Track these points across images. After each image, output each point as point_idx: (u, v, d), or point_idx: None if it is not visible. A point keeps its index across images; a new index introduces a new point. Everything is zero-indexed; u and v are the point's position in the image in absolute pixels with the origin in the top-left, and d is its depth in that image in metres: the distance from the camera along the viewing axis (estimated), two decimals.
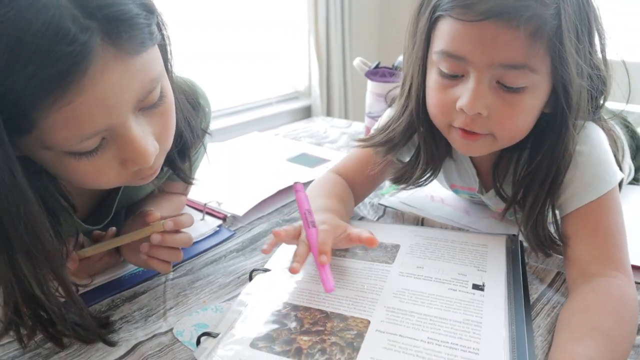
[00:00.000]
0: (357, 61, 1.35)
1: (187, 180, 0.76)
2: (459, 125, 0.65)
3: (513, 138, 0.68)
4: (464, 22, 0.60)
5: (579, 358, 0.51)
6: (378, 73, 1.29)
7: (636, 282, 0.63)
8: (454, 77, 0.64)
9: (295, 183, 0.70)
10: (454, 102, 0.64)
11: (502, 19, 0.57)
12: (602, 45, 0.65)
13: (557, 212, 0.70)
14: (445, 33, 0.63)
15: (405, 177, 0.80)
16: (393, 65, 1.27)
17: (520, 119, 0.64)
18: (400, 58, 1.27)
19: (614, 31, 0.66)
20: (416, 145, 0.78)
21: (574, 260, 0.66)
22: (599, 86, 0.66)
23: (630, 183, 0.98)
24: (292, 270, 0.61)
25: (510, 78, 0.60)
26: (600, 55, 0.65)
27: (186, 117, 0.69)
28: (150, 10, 0.51)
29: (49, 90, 0.44)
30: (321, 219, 0.67)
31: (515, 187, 0.71)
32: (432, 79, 0.67)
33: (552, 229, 0.70)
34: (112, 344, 0.59)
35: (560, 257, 0.73)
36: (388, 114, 0.84)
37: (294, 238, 0.66)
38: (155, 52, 0.53)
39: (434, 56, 0.65)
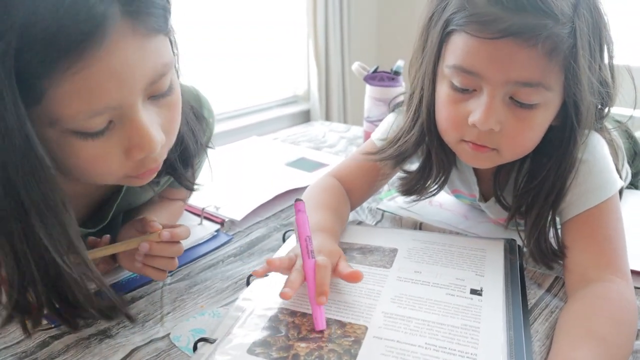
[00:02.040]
0: (355, 65, 1.35)
1: (190, 188, 0.75)
2: (470, 139, 0.65)
3: (519, 154, 0.68)
4: (479, 39, 0.59)
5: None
6: (376, 77, 1.29)
7: (635, 287, 0.63)
8: (466, 91, 0.64)
9: (297, 201, 0.67)
10: (466, 116, 0.63)
11: (520, 38, 0.57)
12: (610, 53, 0.65)
13: (557, 221, 0.70)
14: (459, 48, 0.62)
15: (416, 189, 0.79)
16: (391, 70, 1.27)
17: (530, 134, 0.64)
18: (399, 62, 1.27)
19: (619, 35, 0.66)
20: (423, 155, 0.78)
21: (573, 265, 0.66)
22: (605, 99, 0.66)
23: (627, 187, 0.98)
24: (283, 296, 0.58)
25: (525, 95, 0.60)
26: (607, 65, 0.65)
27: (189, 124, 0.69)
28: (167, 1, 0.52)
29: (64, 52, 0.44)
30: (318, 246, 0.65)
31: (518, 199, 0.71)
32: (444, 92, 0.67)
33: (553, 241, 0.70)
34: (133, 318, 0.58)
35: (560, 262, 0.73)
36: (389, 121, 0.84)
37: (288, 269, 0.63)
38: (167, 42, 0.54)
39: (445, 70, 0.65)
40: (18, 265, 0.51)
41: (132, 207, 0.80)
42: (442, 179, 0.78)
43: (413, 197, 0.81)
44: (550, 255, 0.69)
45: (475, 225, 0.87)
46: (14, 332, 0.61)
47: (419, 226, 0.87)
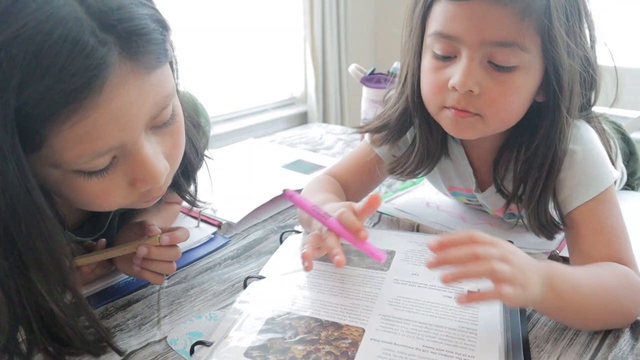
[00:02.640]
0: (352, 67, 1.35)
1: (193, 203, 0.75)
2: (451, 104, 0.66)
3: (503, 120, 0.68)
4: (455, 3, 0.62)
5: (568, 270, 0.57)
6: (373, 79, 1.29)
7: None
8: (447, 59, 0.66)
9: (285, 190, 0.69)
10: (447, 82, 0.65)
11: None
12: (592, 38, 0.67)
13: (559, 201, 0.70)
14: (438, 15, 0.65)
15: (400, 166, 0.81)
16: (388, 72, 1.27)
17: (511, 98, 0.65)
18: (396, 64, 1.27)
19: (611, 36, 0.67)
20: (412, 137, 0.79)
21: (579, 255, 0.67)
22: (589, 77, 0.67)
23: (623, 189, 0.98)
24: (339, 264, 0.59)
25: (501, 56, 0.62)
26: (590, 47, 0.67)
27: (191, 138, 0.68)
28: (165, 27, 0.51)
29: (64, 104, 0.43)
30: (330, 208, 0.66)
31: (516, 182, 0.72)
32: (427, 62, 0.69)
33: (554, 214, 0.71)
34: (121, 352, 0.58)
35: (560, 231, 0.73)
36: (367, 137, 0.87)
37: (319, 243, 0.64)
38: (168, 70, 0.53)
39: (427, 40, 0.68)
40: (10, 310, 0.50)
41: (126, 210, 0.79)
42: (426, 159, 0.79)
43: (397, 176, 0.82)
44: (551, 226, 0.70)
45: (472, 226, 0.87)
46: None
47: (416, 228, 0.87)
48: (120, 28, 0.45)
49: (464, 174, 0.82)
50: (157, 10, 0.50)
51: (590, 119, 0.71)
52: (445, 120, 0.69)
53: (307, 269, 0.61)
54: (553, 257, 0.76)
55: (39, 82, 0.42)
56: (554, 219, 0.70)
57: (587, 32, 0.66)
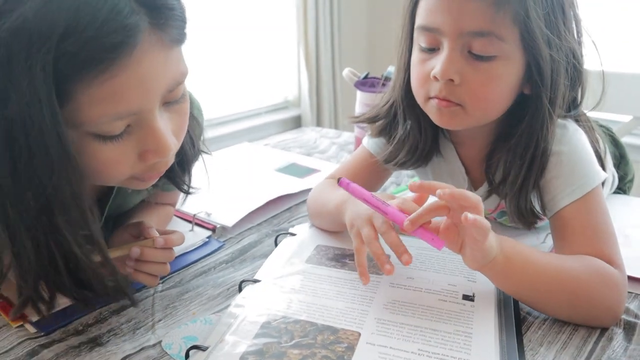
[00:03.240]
0: (346, 71, 1.36)
1: (186, 191, 0.76)
2: (434, 93, 0.68)
3: (484, 110, 0.69)
4: None
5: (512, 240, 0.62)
6: (367, 83, 1.29)
7: (630, 293, 0.63)
8: (432, 51, 0.68)
9: (340, 180, 0.68)
10: (430, 73, 0.67)
11: None
12: (579, 33, 0.68)
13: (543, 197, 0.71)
14: (423, 9, 0.68)
15: (393, 157, 0.82)
16: (382, 76, 1.27)
17: (491, 87, 0.66)
18: (390, 68, 1.27)
19: (605, 40, 0.68)
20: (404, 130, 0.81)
21: None
22: (575, 71, 0.68)
23: (615, 192, 0.99)
24: (407, 262, 0.62)
25: (479, 46, 0.64)
26: (575, 41, 0.68)
27: (188, 130, 0.69)
28: (184, 11, 0.55)
29: (98, 60, 0.46)
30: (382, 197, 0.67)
31: (503, 173, 0.72)
32: (414, 55, 0.72)
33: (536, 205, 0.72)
34: (136, 302, 0.64)
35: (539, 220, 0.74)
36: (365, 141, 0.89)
37: (376, 239, 0.65)
38: (182, 52, 0.57)
39: (415, 34, 0.70)
40: (38, 255, 0.52)
41: (122, 211, 0.79)
42: (419, 152, 0.80)
43: (390, 165, 0.83)
44: (529, 215, 0.71)
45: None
46: (2, 340, 0.61)
47: None
48: (151, 2, 0.50)
49: (456, 174, 0.82)
50: None
51: (579, 117, 0.72)
52: (431, 110, 0.71)
53: (365, 283, 0.65)
54: None
55: (79, 35, 0.45)
56: (534, 208, 0.71)
57: (573, 26, 0.68)
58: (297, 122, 2.79)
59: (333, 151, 1.39)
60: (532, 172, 0.69)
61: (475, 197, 0.58)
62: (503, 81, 0.66)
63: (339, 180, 0.68)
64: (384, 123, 0.82)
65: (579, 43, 0.69)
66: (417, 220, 0.60)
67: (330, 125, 2.80)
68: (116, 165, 0.55)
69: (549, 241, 0.75)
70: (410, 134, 0.79)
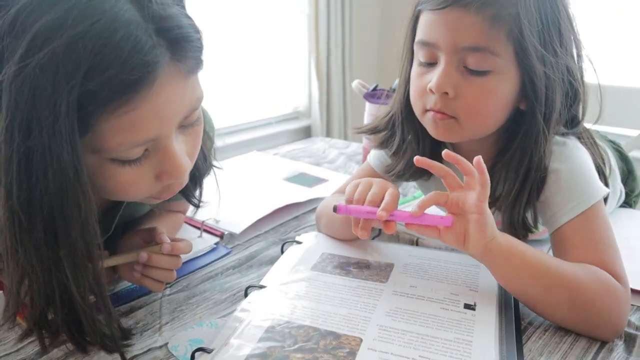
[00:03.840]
0: (355, 83, 1.38)
1: (196, 205, 0.78)
2: (430, 106, 0.70)
3: (478, 124, 0.70)
4: (434, 11, 0.67)
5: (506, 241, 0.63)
6: (376, 95, 1.31)
7: (633, 305, 0.63)
8: (430, 65, 0.70)
9: (338, 207, 0.69)
10: (427, 86, 0.69)
11: (462, 5, 0.64)
12: (579, 51, 0.69)
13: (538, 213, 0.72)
14: (422, 24, 0.70)
15: (391, 167, 0.84)
16: (390, 88, 1.29)
17: (485, 101, 0.67)
18: (397, 81, 1.29)
19: (611, 55, 0.69)
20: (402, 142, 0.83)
21: None
22: (572, 89, 0.69)
23: (621, 206, 0.99)
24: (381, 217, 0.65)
25: (474, 61, 0.65)
26: (572, 59, 0.69)
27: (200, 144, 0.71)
28: (201, 37, 0.57)
29: (120, 94, 0.48)
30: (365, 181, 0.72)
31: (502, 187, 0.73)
32: (413, 69, 0.74)
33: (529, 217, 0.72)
34: (124, 357, 0.60)
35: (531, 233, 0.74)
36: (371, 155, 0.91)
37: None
38: (198, 78, 0.59)
39: (415, 48, 0.72)
40: (44, 287, 0.53)
41: (132, 218, 0.81)
42: (413, 164, 0.80)
43: (389, 175, 0.85)
44: (520, 227, 0.71)
45: None
46: (13, 339, 0.63)
47: (415, 242, 0.88)
48: (172, 34, 0.51)
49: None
50: (195, 23, 0.56)
51: (580, 134, 0.73)
52: (427, 122, 0.73)
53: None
54: None
55: (103, 72, 0.47)
56: (526, 221, 0.72)
57: (571, 46, 0.69)
58: (307, 133, 2.81)
59: (341, 161, 1.41)
60: (525, 186, 0.69)
61: (470, 167, 0.62)
62: (497, 96, 0.67)
63: (336, 209, 0.68)
64: (385, 135, 0.83)
65: (578, 62, 0.70)
66: (423, 205, 0.64)
67: (339, 135, 2.82)
68: (134, 186, 0.57)
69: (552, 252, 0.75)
70: (408, 145, 0.80)
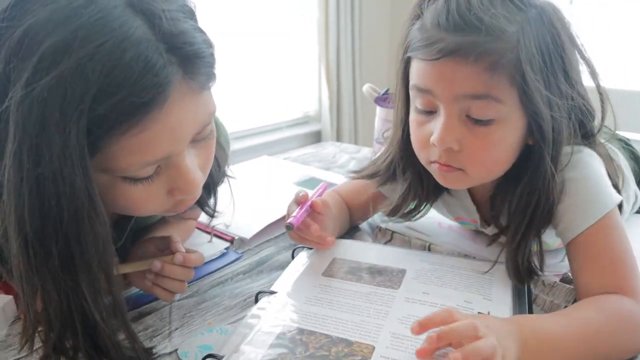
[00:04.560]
0: (366, 87, 1.37)
1: (211, 214, 0.77)
2: (435, 159, 0.67)
3: (487, 173, 0.69)
4: (426, 61, 0.63)
5: (539, 325, 0.56)
6: (387, 99, 1.30)
7: None
8: (429, 113, 0.67)
9: (290, 225, 0.73)
10: (429, 137, 0.66)
11: (457, 56, 0.60)
12: (592, 71, 0.67)
13: (542, 242, 0.69)
14: (415, 71, 0.67)
15: (396, 210, 0.82)
16: None
17: (491, 152, 0.65)
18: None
19: (627, 57, 0.68)
20: (407, 180, 0.80)
21: (584, 290, 0.65)
22: (583, 115, 0.67)
23: (637, 212, 0.97)
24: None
25: (477, 110, 0.62)
26: (581, 85, 0.66)
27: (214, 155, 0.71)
28: (214, 51, 0.55)
29: (131, 116, 0.47)
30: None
31: (507, 219, 0.71)
32: (412, 115, 0.71)
33: (536, 259, 0.70)
34: None
35: (568, 287, 0.72)
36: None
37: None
38: (211, 93, 0.57)
39: (410, 92, 0.69)
40: (61, 312, 0.52)
41: (144, 225, 0.81)
42: (420, 203, 0.81)
43: (394, 218, 0.83)
44: (525, 272, 0.69)
45: (483, 248, 0.86)
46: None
47: (427, 247, 0.87)
48: (183, 51, 0.50)
49: (467, 209, 0.83)
50: (208, 37, 0.54)
51: (593, 145, 0.70)
52: (434, 173, 0.71)
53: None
54: (565, 279, 0.76)
55: (113, 95, 0.45)
56: (532, 266, 0.69)
57: (578, 72, 0.66)
58: (317, 137, 2.81)
59: (352, 166, 1.40)
60: (531, 230, 0.67)
61: (467, 328, 0.51)
62: (503, 144, 0.65)
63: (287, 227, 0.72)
64: (385, 178, 0.81)
65: (594, 79, 0.67)
66: (425, 324, 0.54)
67: (349, 140, 2.81)
68: (146, 203, 0.56)
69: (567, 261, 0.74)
70: (411, 187, 0.79)
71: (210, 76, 0.54)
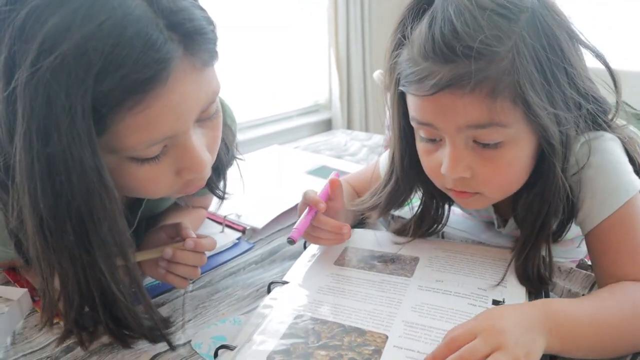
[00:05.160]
0: (376, 74, 1.35)
1: (221, 197, 0.77)
2: (450, 187, 0.66)
3: (504, 191, 0.67)
4: (420, 97, 0.60)
5: (568, 309, 0.53)
6: None
7: None
8: (434, 141, 0.64)
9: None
10: (439, 166, 0.64)
11: (453, 88, 0.56)
12: (597, 55, 0.64)
13: (552, 252, 0.67)
14: (411, 105, 0.64)
15: (409, 231, 0.79)
16: None
17: (505, 173, 0.63)
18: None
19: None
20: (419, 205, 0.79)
21: (605, 277, 0.63)
22: (595, 113, 0.64)
23: None
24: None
25: (484, 136, 0.59)
26: (588, 80, 0.63)
27: (222, 137, 0.71)
28: (215, 28, 0.55)
29: (133, 93, 0.48)
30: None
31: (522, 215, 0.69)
32: (418, 144, 0.68)
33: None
34: (173, 346, 0.60)
35: (585, 273, 0.71)
36: (383, 162, 0.85)
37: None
38: (215, 71, 0.57)
39: (411, 122, 0.66)
40: (79, 287, 0.54)
41: (155, 214, 0.81)
42: (436, 222, 0.79)
43: (408, 239, 0.80)
44: (535, 280, 0.66)
45: (497, 235, 0.86)
46: (39, 337, 0.63)
47: (441, 235, 0.86)
48: (184, 27, 0.50)
49: (484, 210, 0.82)
50: (208, 14, 0.55)
51: (613, 129, 0.67)
52: (453, 197, 0.69)
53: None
54: (581, 265, 0.74)
55: (115, 72, 0.46)
56: (541, 273, 0.66)
57: (586, 71, 0.63)
58: (327, 125, 2.80)
59: (363, 154, 1.39)
60: (541, 239, 0.65)
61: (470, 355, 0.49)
62: (516, 164, 0.63)
63: (291, 241, 0.68)
64: (390, 206, 0.78)
65: (608, 71, 0.64)
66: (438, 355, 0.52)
67: (360, 127, 2.80)
68: (154, 184, 0.56)
69: (584, 246, 0.72)
70: (423, 206, 0.77)
71: (212, 53, 0.54)
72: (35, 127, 0.46)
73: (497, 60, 0.56)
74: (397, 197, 0.76)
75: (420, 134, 0.66)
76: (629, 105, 0.72)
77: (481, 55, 0.55)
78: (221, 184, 0.76)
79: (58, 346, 0.61)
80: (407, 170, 0.72)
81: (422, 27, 0.60)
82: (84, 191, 0.49)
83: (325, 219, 0.73)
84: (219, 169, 0.73)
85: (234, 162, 0.79)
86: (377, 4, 2.78)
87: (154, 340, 0.61)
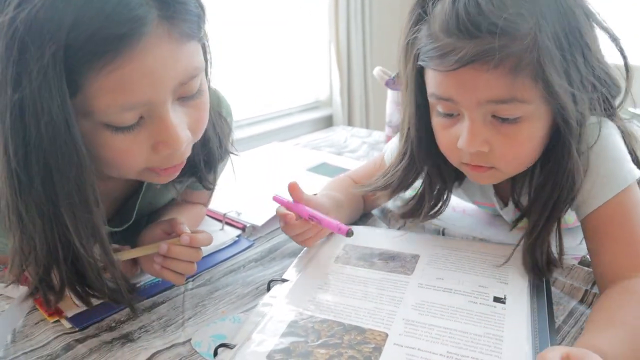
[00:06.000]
0: (377, 70, 1.35)
1: (209, 188, 0.77)
2: (466, 161, 0.66)
3: (520, 166, 0.67)
4: (442, 72, 0.61)
5: (599, 346, 0.49)
6: (398, 82, 1.28)
7: None
8: (452, 116, 0.65)
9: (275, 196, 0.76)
10: (456, 140, 0.64)
11: (477, 63, 0.57)
12: (613, 38, 0.64)
13: (562, 236, 0.67)
14: (430, 79, 0.65)
15: (413, 213, 0.79)
16: None
17: (522, 148, 0.64)
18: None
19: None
20: (421, 183, 0.78)
21: (602, 267, 0.63)
22: (609, 91, 0.65)
23: None
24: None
25: (504, 111, 0.60)
26: (603, 62, 0.64)
27: (216, 130, 0.71)
28: (202, 8, 0.56)
29: (105, 50, 0.48)
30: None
31: (530, 203, 0.69)
32: (435, 119, 0.69)
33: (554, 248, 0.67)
34: (136, 310, 0.64)
35: (586, 269, 0.71)
36: (391, 148, 0.85)
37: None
38: (199, 48, 0.58)
39: (430, 98, 0.66)
40: (46, 242, 0.54)
41: (154, 208, 0.81)
42: (440, 201, 0.78)
43: (412, 220, 0.81)
44: (543, 267, 0.66)
45: (498, 232, 0.85)
46: (40, 335, 0.63)
47: (441, 232, 0.86)
48: None
49: (485, 193, 0.82)
50: None
51: (613, 117, 0.68)
52: (467, 173, 0.70)
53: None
54: (583, 262, 0.74)
55: (85, 28, 0.47)
56: (551, 258, 0.67)
57: (600, 53, 0.63)
58: (328, 122, 2.79)
59: (364, 150, 1.38)
60: (551, 222, 0.65)
61: None
62: (531, 139, 0.63)
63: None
64: (402, 186, 0.77)
65: (622, 55, 0.64)
66: None
67: (361, 124, 2.79)
68: (128, 155, 0.56)
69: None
70: (430, 181, 0.76)
71: (194, 28, 0.54)
72: (9, 76, 0.47)
73: (520, 38, 0.57)
74: (410, 175, 0.76)
75: (438, 109, 0.66)
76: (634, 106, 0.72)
77: (505, 32, 0.56)
78: (211, 177, 0.75)
79: (24, 301, 0.64)
80: (422, 145, 0.72)
81: (444, 4, 0.60)
82: (52, 141, 0.50)
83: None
84: (210, 162, 0.72)
85: (228, 157, 0.79)
86: (378, 1, 2.77)
87: (115, 300, 0.62)
